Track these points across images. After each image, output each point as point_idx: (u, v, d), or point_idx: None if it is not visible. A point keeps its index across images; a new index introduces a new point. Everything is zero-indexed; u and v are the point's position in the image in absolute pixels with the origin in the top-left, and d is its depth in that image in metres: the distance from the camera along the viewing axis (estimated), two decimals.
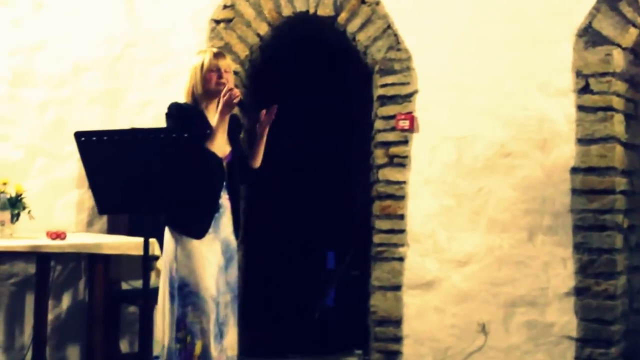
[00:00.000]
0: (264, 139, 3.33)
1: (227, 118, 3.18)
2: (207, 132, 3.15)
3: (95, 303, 3.89)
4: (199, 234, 3.15)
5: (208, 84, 3.23)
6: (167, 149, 2.76)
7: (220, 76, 3.23)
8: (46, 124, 4.56)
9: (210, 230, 3.17)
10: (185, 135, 2.76)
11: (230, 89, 3.14)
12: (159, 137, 2.78)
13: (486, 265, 4.45)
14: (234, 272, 3.30)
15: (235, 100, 3.13)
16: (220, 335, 3.17)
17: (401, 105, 4.55)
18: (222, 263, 3.21)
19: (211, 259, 3.15)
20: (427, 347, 4.47)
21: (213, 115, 3.22)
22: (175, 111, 3.21)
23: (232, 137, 3.31)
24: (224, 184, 3.25)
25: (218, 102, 3.20)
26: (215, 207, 3.20)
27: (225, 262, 3.24)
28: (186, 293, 3.12)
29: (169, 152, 2.76)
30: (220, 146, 3.20)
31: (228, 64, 3.30)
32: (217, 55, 3.28)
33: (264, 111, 3.27)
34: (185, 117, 3.17)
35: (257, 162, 3.38)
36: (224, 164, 3.25)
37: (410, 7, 4.58)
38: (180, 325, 3.12)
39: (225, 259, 3.24)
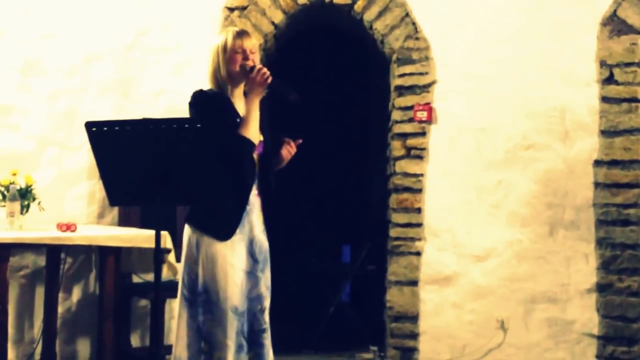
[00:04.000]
0: (284, 164, 3.08)
1: (258, 102, 2.91)
2: (238, 120, 2.90)
3: (106, 296, 3.83)
4: (225, 235, 2.90)
5: (232, 67, 2.96)
6: (180, 139, 2.66)
7: (246, 58, 2.96)
8: (57, 114, 4.50)
9: (237, 230, 2.91)
10: (198, 125, 2.64)
11: (260, 68, 2.89)
12: (172, 127, 2.68)
13: (506, 260, 4.38)
14: (268, 275, 3.04)
15: (268, 81, 2.88)
16: (257, 345, 2.95)
17: (419, 95, 4.47)
18: (250, 267, 2.95)
19: (236, 264, 2.90)
20: (444, 343, 4.40)
21: (239, 102, 2.98)
22: (200, 98, 2.94)
23: (264, 126, 3.02)
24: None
25: (245, 87, 2.97)
26: (245, 204, 2.93)
27: (261, 264, 2.98)
28: (205, 301, 2.91)
29: (182, 143, 2.66)
30: (255, 131, 2.90)
31: (253, 44, 3.02)
32: (241, 34, 3.00)
33: (289, 140, 3.03)
34: (212, 105, 2.92)
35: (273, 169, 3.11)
36: (255, 155, 2.97)
37: None
38: (202, 335, 2.92)
39: (259, 260, 2.98)
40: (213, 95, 2.98)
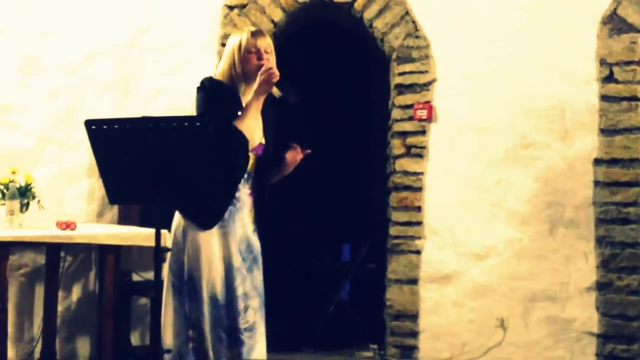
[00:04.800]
0: (288, 169, 3.09)
1: (261, 100, 2.94)
2: (239, 113, 2.93)
3: (106, 295, 3.83)
4: (207, 223, 2.93)
5: (247, 66, 2.98)
6: (180, 137, 2.66)
7: (260, 57, 2.99)
8: (56, 112, 4.49)
9: (224, 224, 2.94)
10: (198, 123, 2.64)
11: (269, 68, 2.93)
12: (171, 126, 2.68)
13: (505, 259, 4.37)
14: (258, 276, 3.05)
15: (274, 80, 2.91)
16: (238, 342, 2.94)
17: (419, 94, 4.47)
18: (238, 263, 2.96)
19: (221, 255, 2.94)
20: (444, 342, 4.40)
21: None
22: (209, 85, 2.98)
23: (268, 130, 3.06)
24: (246, 176, 3.00)
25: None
26: (231, 195, 2.96)
27: (247, 263, 3.00)
28: (191, 289, 2.94)
29: (182, 141, 2.66)
30: (251, 129, 2.94)
31: (268, 43, 3.04)
32: (256, 34, 3.03)
33: (296, 146, 3.05)
34: (219, 93, 2.96)
35: (272, 179, 3.13)
36: (252, 154, 3.00)
37: None
38: (190, 323, 2.95)
39: (248, 259, 3.00)
40: (221, 84, 3.01)
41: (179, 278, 2.99)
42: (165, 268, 3.68)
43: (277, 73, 2.92)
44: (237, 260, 2.97)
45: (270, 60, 3.00)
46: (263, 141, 3.04)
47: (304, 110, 3.05)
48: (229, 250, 2.97)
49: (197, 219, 2.96)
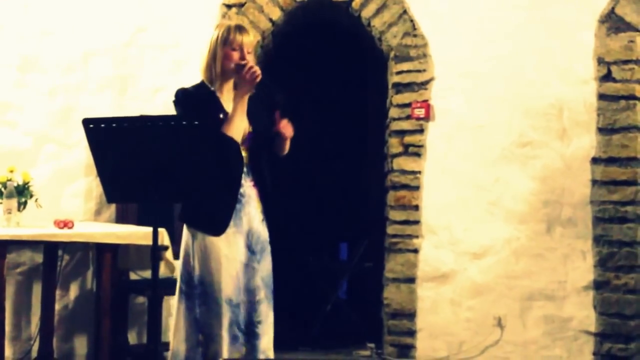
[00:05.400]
0: (288, 141, 3.05)
1: (245, 99, 2.92)
2: (221, 116, 2.93)
3: (103, 293, 3.84)
4: (218, 230, 2.93)
5: (227, 62, 2.96)
6: (177, 136, 2.66)
7: (242, 57, 2.95)
8: (54, 110, 4.49)
9: (231, 223, 2.93)
10: (196, 122, 2.64)
11: (251, 66, 2.89)
12: (169, 125, 2.69)
13: (503, 258, 4.38)
14: (266, 266, 3.04)
15: (258, 79, 2.89)
16: (252, 336, 2.97)
17: (417, 92, 4.47)
18: (247, 259, 2.97)
19: (231, 256, 2.93)
20: (441, 340, 4.40)
21: (227, 97, 2.99)
22: (182, 97, 2.96)
23: (253, 116, 3.01)
24: (245, 169, 2.99)
25: (235, 84, 2.97)
26: (234, 199, 2.95)
27: (258, 255, 3.00)
28: (201, 293, 2.94)
29: (180, 140, 2.67)
30: (239, 131, 2.92)
31: (251, 42, 3.02)
32: (240, 29, 2.99)
33: (282, 123, 3.01)
34: (195, 102, 2.93)
35: (283, 153, 3.10)
36: (244, 147, 2.98)
37: None
38: (200, 328, 2.95)
39: (257, 252, 3.00)
40: (196, 93, 2.99)
41: (187, 283, 2.99)
42: (163, 268, 3.71)
43: (259, 72, 2.90)
44: (247, 257, 2.98)
45: (249, 60, 2.96)
46: (250, 129, 3.00)
47: (291, 106, 3.03)
48: (239, 248, 2.97)
49: (206, 227, 2.95)
